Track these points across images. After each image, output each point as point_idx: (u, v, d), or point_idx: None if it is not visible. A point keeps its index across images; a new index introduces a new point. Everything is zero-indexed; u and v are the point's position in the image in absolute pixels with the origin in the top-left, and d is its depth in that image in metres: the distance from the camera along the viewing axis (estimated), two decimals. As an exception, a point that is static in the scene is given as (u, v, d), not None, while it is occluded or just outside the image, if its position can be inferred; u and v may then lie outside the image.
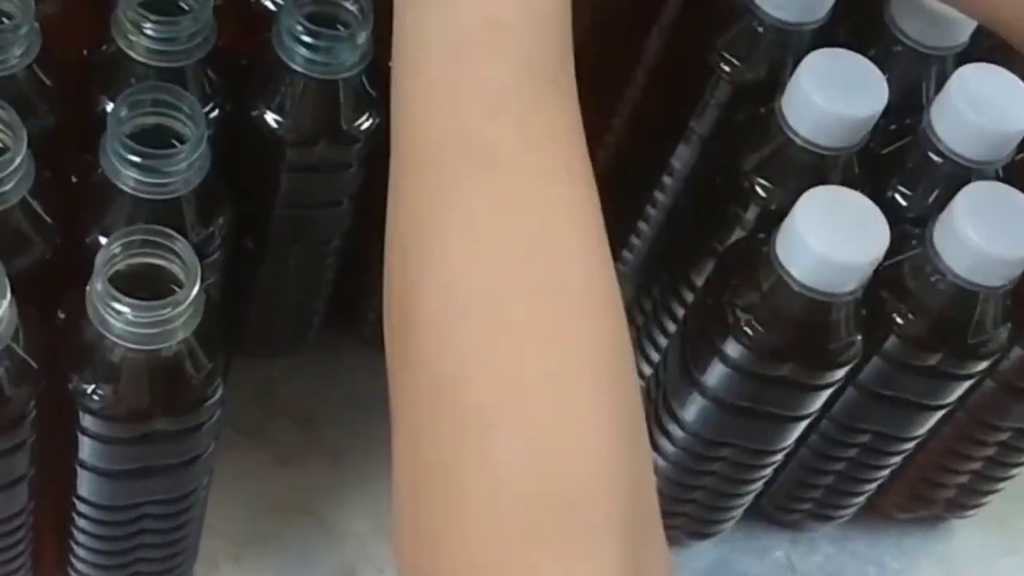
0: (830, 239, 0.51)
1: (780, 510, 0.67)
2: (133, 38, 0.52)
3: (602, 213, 0.40)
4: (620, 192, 0.66)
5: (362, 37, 0.54)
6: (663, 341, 0.66)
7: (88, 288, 0.46)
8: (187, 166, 0.49)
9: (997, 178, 0.57)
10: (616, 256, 0.71)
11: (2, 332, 0.45)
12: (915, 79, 0.60)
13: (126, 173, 0.49)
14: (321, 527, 0.66)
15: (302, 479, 0.67)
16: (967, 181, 0.54)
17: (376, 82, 0.57)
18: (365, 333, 0.69)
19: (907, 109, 0.59)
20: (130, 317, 0.46)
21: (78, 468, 0.51)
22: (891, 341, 0.56)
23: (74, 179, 0.52)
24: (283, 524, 0.66)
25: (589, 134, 0.41)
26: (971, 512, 0.69)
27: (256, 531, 0.65)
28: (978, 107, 0.55)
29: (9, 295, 0.45)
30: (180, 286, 0.46)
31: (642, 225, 0.70)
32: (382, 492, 0.66)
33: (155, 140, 0.50)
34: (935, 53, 0.59)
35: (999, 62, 0.58)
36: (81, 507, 0.53)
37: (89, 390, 0.48)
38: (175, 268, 0.47)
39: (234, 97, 0.56)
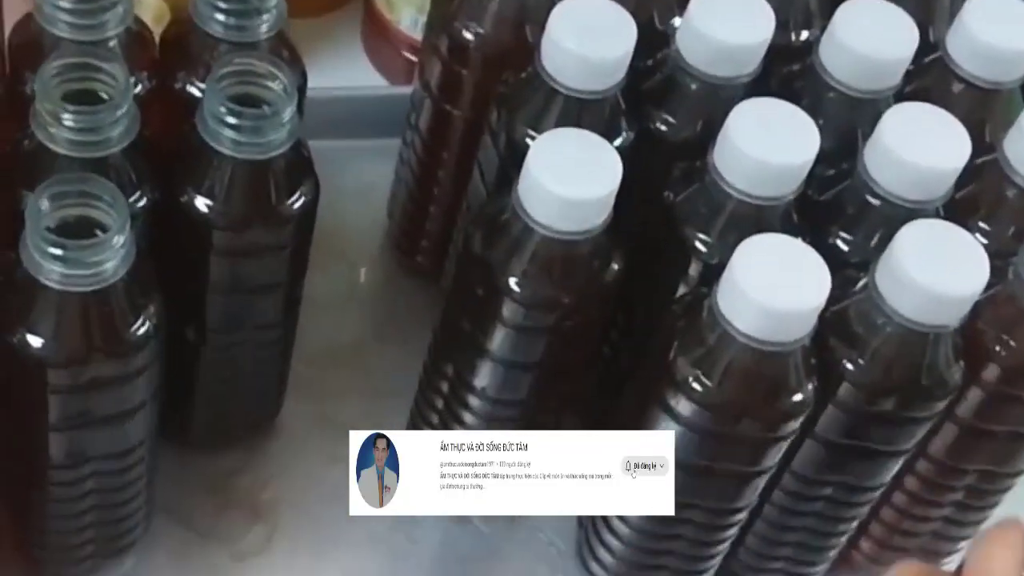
0: (769, 287, 0.50)
1: (752, 571, 0.66)
2: (53, 130, 0.51)
3: None
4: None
5: (287, 115, 0.54)
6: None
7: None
8: (110, 256, 0.49)
9: (938, 216, 0.56)
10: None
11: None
12: (850, 124, 0.59)
13: (48, 267, 0.48)
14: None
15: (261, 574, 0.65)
16: (907, 222, 0.54)
17: (303, 159, 0.56)
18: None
19: (843, 154, 0.58)
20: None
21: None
22: (844, 388, 0.55)
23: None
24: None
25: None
26: (947, 560, 0.68)
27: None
28: (910, 146, 0.54)
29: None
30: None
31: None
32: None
33: (79, 232, 0.49)
34: (868, 97, 0.59)
35: (932, 101, 0.58)
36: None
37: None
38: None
39: (163, 184, 0.55)
